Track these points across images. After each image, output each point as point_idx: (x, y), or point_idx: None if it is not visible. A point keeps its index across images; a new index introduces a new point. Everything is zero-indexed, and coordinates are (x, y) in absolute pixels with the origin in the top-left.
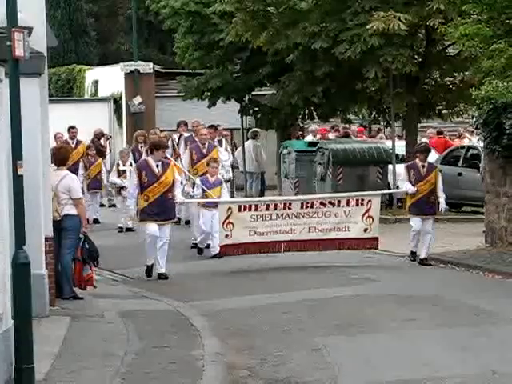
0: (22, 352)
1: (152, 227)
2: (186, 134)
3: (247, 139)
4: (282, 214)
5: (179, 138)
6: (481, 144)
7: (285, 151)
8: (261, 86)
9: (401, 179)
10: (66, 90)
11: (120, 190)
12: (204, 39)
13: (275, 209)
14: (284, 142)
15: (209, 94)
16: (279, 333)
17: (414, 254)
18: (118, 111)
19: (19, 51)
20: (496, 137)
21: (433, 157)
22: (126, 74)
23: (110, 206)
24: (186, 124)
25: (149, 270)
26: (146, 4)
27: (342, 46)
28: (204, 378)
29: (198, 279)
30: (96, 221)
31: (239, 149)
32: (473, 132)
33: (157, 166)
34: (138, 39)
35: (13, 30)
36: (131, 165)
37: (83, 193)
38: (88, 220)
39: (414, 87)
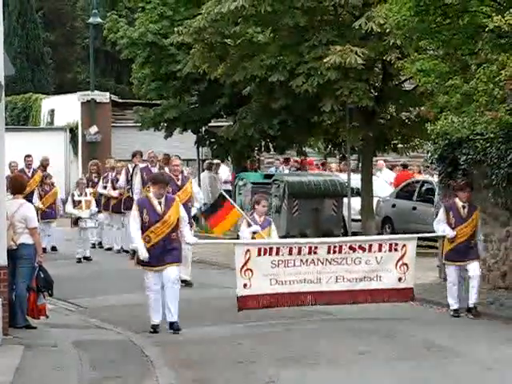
0: None
1: (152, 279)
2: (142, 165)
3: (203, 170)
4: (307, 260)
5: (134, 169)
6: (435, 179)
7: (240, 183)
8: (217, 117)
9: (437, 220)
10: (21, 119)
11: (77, 220)
12: (161, 70)
13: (299, 253)
14: (240, 174)
15: (165, 124)
16: (233, 364)
17: (457, 311)
18: (73, 140)
19: None
20: (451, 172)
21: (388, 190)
22: (82, 103)
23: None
24: (141, 155)
25: (154, 329)
26: (103, 34)
27: (299, 79)
28: None
29: None
30: (54, 248)
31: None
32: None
33: (159, 203)
34: (95, 69)
35: None
36: (87, 195)
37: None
38: (45, 249)
39: (369, 121)
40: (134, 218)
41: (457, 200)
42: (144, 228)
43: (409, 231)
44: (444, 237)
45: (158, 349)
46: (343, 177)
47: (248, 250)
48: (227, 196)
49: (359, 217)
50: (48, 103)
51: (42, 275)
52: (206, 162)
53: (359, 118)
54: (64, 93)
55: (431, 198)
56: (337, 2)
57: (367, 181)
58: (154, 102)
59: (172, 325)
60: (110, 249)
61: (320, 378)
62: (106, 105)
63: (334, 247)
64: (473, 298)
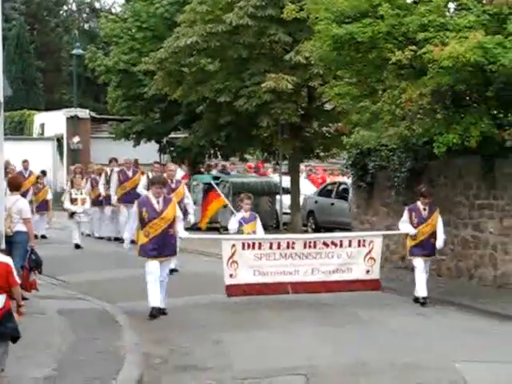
0: None
1: (153, 265)
2: (117, 169)
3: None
4: (286, 254)
5: (111, 172)
6: (349, 181)
7: (194, 183)
8: (176, 130)
9: (401, 221)
10: (18, 130)
11: (72, 214)
12: (131, 92)
13: (278, 248)
14: (193, 176)
15: (134, 136)
16: (187, 328)
17: (425, 299)
18: (60, 148)
19: None
20: (361, 175)
21: (311, 189)
22: (67, 118)
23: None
24: (116, 160)
25: (152, 314)
26: (84, 62)
27: (242, 100)
28: (125, 364)
29: (124, 284)
30: (43, 236)
31: None
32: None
33: (157, 202)
34: (77, 90)
35: None
36: (82, 193)
37: (32, 213)
38: (36, 236)
39: (297, 134)
40: (133, 216)
41: (418, 203)
42: (144, 223)
43: (328, 222)
44: (407, 234)
45: (127, 316)
46: (276, 178)
47: (233, 245)
48: (216, 187)
49: (289, 210)
50: (39, 118)
51: (33, 257)
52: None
53: (289, 131)
54: (52, 110)
55: (346, 196)
56: (272, 39)
57: (295, 182)
58: (124, 117)
59: (159, 310)
60: (88, 235)
61: (259, 339)
62: (86, 120)
63: (310, 243)
64: (425, 291)
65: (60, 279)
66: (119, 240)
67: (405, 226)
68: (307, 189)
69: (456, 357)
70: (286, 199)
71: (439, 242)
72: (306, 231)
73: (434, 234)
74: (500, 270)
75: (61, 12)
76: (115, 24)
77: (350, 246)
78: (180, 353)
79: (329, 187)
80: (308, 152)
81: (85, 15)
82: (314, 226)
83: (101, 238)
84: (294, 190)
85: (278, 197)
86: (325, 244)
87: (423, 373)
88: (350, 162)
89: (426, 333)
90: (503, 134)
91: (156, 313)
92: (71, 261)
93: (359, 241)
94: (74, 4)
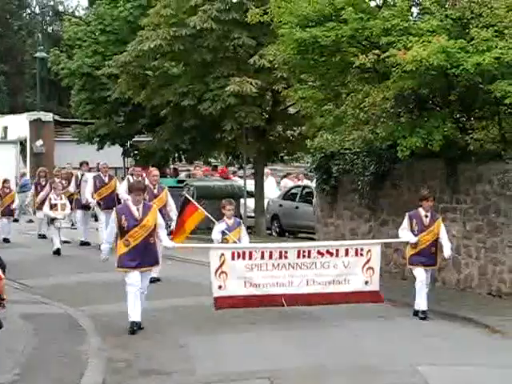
0: None
1: (134, 277)
2: (94, 174)
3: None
4: (279, 264)
5: (82, 175)
6: (313, 184)
7: None
8: (140, 133)
9: (401, 228)
10: None
11: (52, 220)
12: (94, 95)
13: (270, 258)
14: None
15: (98, 139)
16: (151, 332)
17: (425, 312)
18: (23, 152)
19: None
20: (325, 179)
21: (276, 193)
22: (30, 121)
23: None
24: (87, 163)
25: (133, 329)
26: (48, 66)
27: (206, 103)
28: (89, 368)
29: (88, 288)
30: (6, 240)
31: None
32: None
33: (137, 209)
34: (40, 94)
35: None
36: (62, 198)
37: None
38: (6, 239)
39: (262, 138)
40: (111, 224)
41: (420, 209)
42: (123, 232)
43: (292, 226)
44: (407, 242)
45: (91, 320)
46: (241, 182)
47: (222, 254)
48: (191, 198)
49: (253, 214)
50: (2, 121)
51: None
52: (130, 169)
53: (253, 135)
54: (16, 113)
55: (310, 200)
56: (235, 43)
57: (259, 185)
58: (88, 121)
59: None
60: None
61: (222, 344)
62: (50, 123)
63: (304, 252)
64: (425, 304)
65: (23, 283)
66: (86, 244)
67: (405, 234)
68: (272, 192)
69: (419, 360)
70: (251, 203)
71: (447, 251)
72: (270, 235)
73: (435, 244)
74: (463, 273)
75: (24, 15)
76: (79, 27)
77: (346, 255)
78: (144, 357)
79: (293, 191)
80: (272, 155)
81: (48, 18)
82: (278, 230)
83: (67, 242)
84: (258, 194)
85: (242, 200)
86: (320, 253)
87: (385, 376)
88: (314, 166)
89: (389, 336)
90: (466, 138)
91: (136, 327)
92: (35, 265)
93: (356, 250)
94: (37, 7)
